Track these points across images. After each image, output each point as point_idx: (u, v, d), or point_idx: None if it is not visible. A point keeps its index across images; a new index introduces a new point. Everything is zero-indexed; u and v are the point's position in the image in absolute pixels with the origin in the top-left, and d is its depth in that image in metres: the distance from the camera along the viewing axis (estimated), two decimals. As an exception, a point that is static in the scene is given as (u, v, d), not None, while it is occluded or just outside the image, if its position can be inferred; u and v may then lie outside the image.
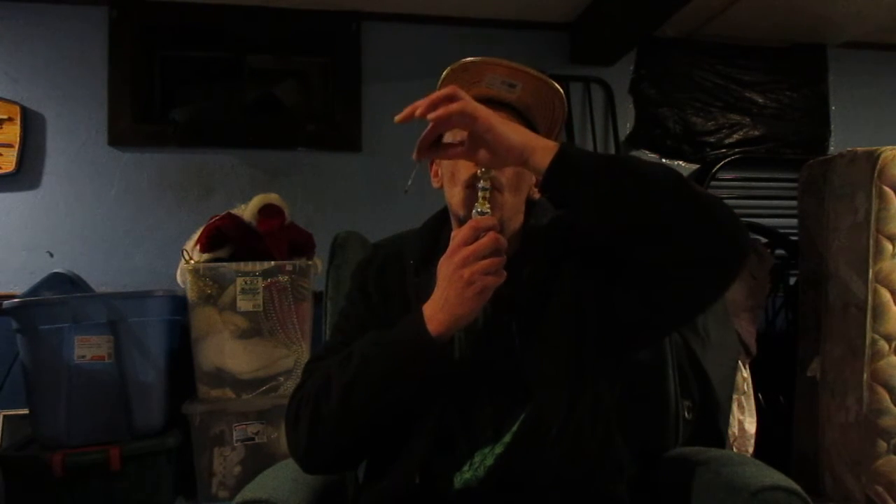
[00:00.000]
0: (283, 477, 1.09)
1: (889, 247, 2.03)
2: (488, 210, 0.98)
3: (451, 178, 1.10)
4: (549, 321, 1.05)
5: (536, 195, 1.13)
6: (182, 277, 2.17)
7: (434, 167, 1.18)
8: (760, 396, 2.37)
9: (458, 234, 0.95)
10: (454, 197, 1.10)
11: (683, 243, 0.90)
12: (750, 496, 1.01)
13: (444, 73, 1.04)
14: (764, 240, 2.70)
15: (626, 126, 2.99)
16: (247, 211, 2.21)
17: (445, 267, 0.95)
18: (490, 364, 1.04)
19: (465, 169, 1.06)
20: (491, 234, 0.93)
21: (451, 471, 1.01)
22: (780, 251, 2.76)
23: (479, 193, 0.99)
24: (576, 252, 1.08)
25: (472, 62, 1.02)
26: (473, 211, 0.99)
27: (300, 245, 2.22)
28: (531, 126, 1.07)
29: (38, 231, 2.55)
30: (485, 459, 1.01)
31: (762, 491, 1.01)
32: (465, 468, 1.01)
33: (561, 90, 1.07)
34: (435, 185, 1.18)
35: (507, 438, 1.01)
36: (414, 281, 1.11)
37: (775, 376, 2.50)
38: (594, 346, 1.04)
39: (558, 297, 1.06)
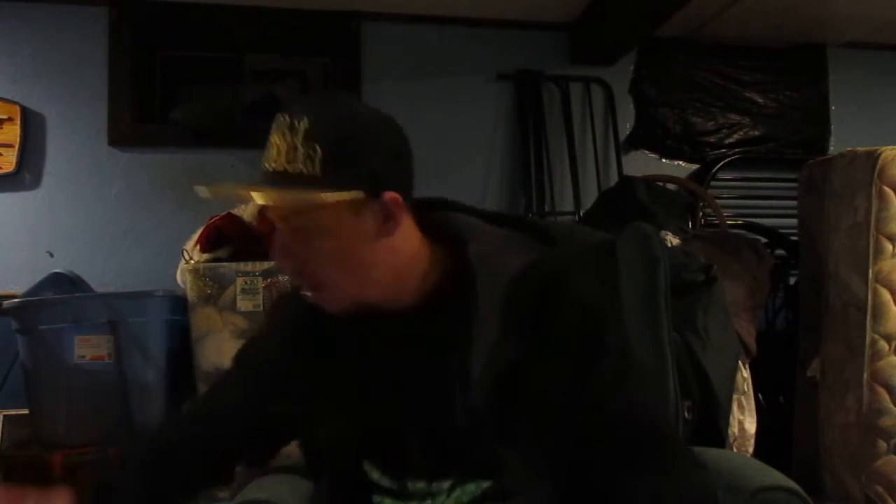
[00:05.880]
0: (283, 477, 1.09)
1: (889, 247, 2.03)
2: None
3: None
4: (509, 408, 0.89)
5: (383, 237, 0.87)
6: (182, 277, 2.17)
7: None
8: (760, 396, 2.36)
9: None
10: None
11: None
12: (750, 496, 1.00)
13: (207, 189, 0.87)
14: (764, 240, 2.70)
15: (626, 126, 2.99)
16: (247, 211, 2.21)
17: None
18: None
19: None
20: None
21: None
22: (780, 251, 2.75)
23: None
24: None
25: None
26: None
27: (300, 245, 2.22)
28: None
29: (38, 231, 2.54)
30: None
31: (762, 491, 1.01)
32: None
33: (311, 197, 0.81)
34: None
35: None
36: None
37: (775, 376, 2.49)
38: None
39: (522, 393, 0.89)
